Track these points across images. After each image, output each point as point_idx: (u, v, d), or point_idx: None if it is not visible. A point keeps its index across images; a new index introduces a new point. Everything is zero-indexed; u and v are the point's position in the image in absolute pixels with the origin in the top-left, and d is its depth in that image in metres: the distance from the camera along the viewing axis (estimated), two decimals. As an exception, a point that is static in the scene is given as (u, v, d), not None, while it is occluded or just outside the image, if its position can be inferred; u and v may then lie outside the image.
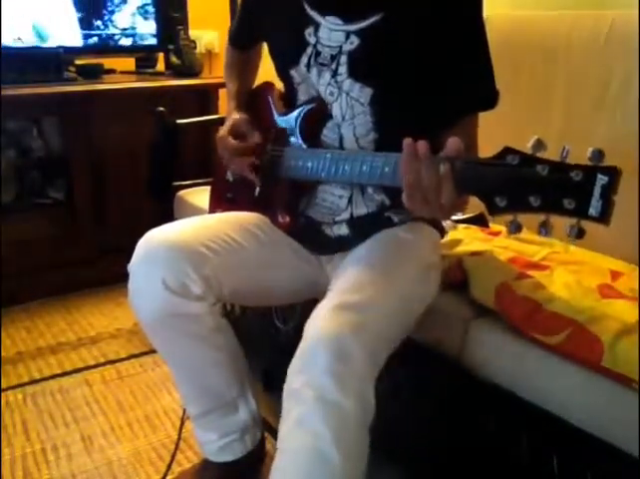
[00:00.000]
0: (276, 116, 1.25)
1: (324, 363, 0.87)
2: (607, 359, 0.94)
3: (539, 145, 0.74)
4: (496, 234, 1.40)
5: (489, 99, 1.09)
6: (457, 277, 1.19)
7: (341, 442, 0.85)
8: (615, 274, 1.21)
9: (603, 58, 1.40)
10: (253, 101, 1.34)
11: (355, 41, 1.08)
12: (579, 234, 0.73)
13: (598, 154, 0.71)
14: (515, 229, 0.79)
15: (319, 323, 0.93)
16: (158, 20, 2.37)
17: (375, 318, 0.95)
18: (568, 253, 1.30)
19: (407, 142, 0.86)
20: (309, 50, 1.12)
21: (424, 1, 1.04)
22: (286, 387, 0.93)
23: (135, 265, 1.10)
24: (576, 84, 1.45)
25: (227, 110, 1.34)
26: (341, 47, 1.09)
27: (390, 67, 1.07)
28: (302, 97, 1.18)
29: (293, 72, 1.16)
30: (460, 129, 1.06)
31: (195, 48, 2.51)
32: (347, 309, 0.94)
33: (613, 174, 0.70)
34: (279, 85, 1.27)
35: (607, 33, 1.39)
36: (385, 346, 0.97)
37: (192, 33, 2.51)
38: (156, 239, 1.11)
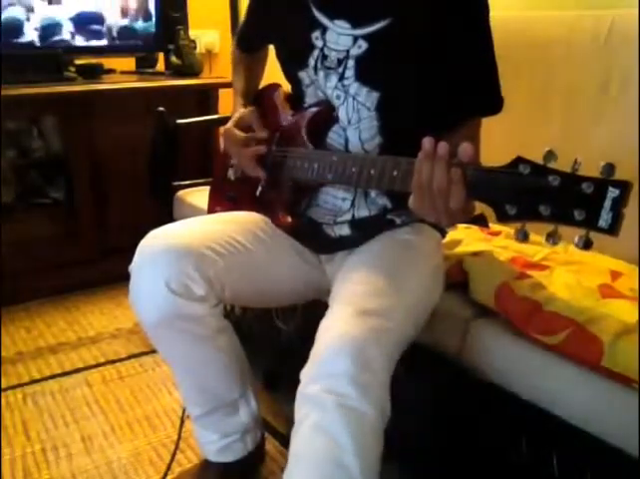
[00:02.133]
0: (283, 117, 1.25)
1: (347, 370, 0.87)
2: (607, 359, 0.94)
3: (551, 155, 0.75)
4: (496, 234, 1.40)
5: (494, 105, 1.10)
6: (457, 277, 1.19)
7: (361, 450, 0.85)
8: (615, 274, 1.21)
9: (603, 58, 1.40)
10: (260, 101, 1.34)
11: (363, 45, 1.08)
12: (587, 244, 0.74)
13: (610, 167, 0.72)
14: (523, 237, 0.79)
15: (340, 329, 0.92)
16: (157, 20, 2.37)
17: (394, 324, 0.95)
18: (568, 254, 1.31)
19: (427, 140, 0.86)
20: (316, 53, 1.12)
21: (431, 7, 1.04)
22: (301, 392, 0.91)
23: (136, 267, 1.10)
24: (576, 84, 1.45)
25: (233, 108, 1.34)
26: (348, 51, 1.09)
27: (397, 72, 1.08)
28: (310, 99, 1.18)
29: (302, 74, 1.16)
30: (464, 133, 1.06)
31: (195, 48, 2.52)
32: (369, 315, 0.93)
33: (624, 187, 0.71)
34: (286, 86, 1.27)
35: (607, 33, 1.39)
36: (399, 351, 0.97)
37: (192, 33, 2.51)
38: (157, 239, 1.10)
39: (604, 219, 0.72)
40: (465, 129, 1.08)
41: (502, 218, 0.80)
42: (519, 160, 0.78)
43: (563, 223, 0.75)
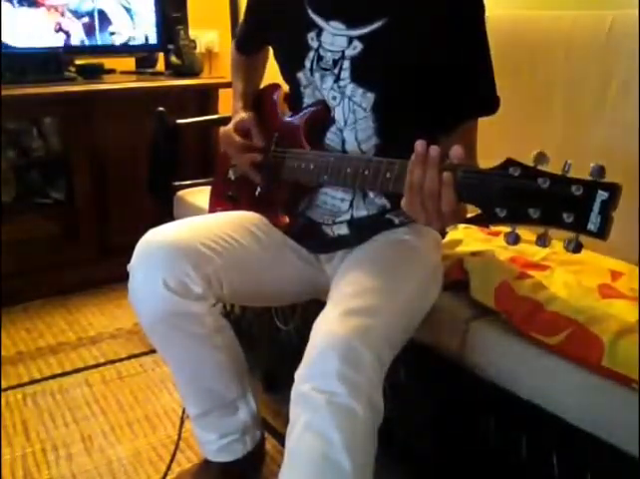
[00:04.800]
0: (281, 117, 1.25)
1: (335, 368, 0.87)
2: (607, 359, 0.94)
3: (541, 157, 0.75)
4: (496, 234, 1.40)
5: (490, 105, 1.10)
6: (457, 278, 1.19)
7: (352, 448, 0.85)
8: (615, 274, 1.21)
9: (603, 58, 1.40)
10: (259, 102, 1.34)
11: (358, 46, 1.08)
12: (577, 248, 0.74)
13: (599, 169, 0.71)
14: (514, 240, 0.79)
15: (327, 328, 0.93)
16: (158, 20, 2.37)
17: (383, 323, 0.95)
18: (568, 254, 1.30)
19: (419, 143, 0.86)
20: (311, 54, 1.12)
21: (426, 8, 1.04)
22: (294, 392, 0.92)
23: (135, 265, 1.10)
24: (576, 84, 1.45)
25: (233, 109, 1.35)
26: (344, 52, 1.09)
27: (392, 73, 1.08)
28: (308, 100, 1.18)
29: (300, 75, 1.16)
30: (460, 134, 1.07)
31: (195, 48, 2.52)
32: (355, 314, 0.94)
33: (614, 190, 0.70)
34: (286, 87, 1.27)
35: (607, 33, 1.39)
36: (391, 350, 0.97)
37: (192, 33, 2.51)
38: (156, 238, 1.11)
39: (593, 222, 0.71)
40: (461, 130, 1.08)
41: (492, 220, 0.79)
42: (510, 162, 0.78)
43: (552, 226, 0.75)
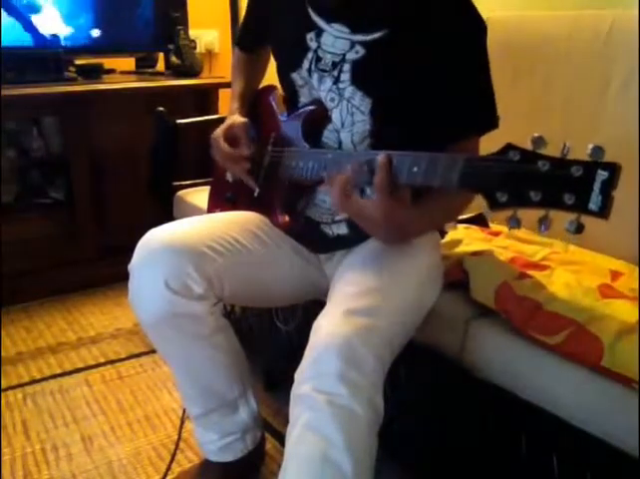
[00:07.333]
0: (279, 117, 1.25)
1: (335, 369, 0.87)
2: (607, 359, 0.94)
3: (540, 141, 0.75)
4: (496, 234, 1.40)
5: (489, 124, 1.09)
6: (457, 277, 1.19)
7: (352, 448, 0.85)
8: (615, 274, 1.21)
9: (603, 58, 1.40)
10: (256, 102, 1.34)
11: (360, 51, 1.07)
12: (578, 228, 0.74)
13: (598, 150, 0.72)
14: (515, 223, 0.80)
15: (328, 329, 0.93)
16: (158, 20, 2.37)
17: (383, 323, 0.95)
18: (568, 253, 1.30)
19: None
20: (310, 55, 1.12)
21: (429, 22, 1.04)
22: (294, 392, 0.92)
23: (135, 265, 1.10)
24: (576, 84, 1.45)
25: (230, 110, 1.34)
26: (345, 55, 1.09)
27: (392, 82, 1.07)
28: (304, 99, 1.18)
29: (295, 75, 1.16)
30: (461, 149, 1.05)
31: (195, 48, 2.52)
32: (356, 315, 0.94)
33: (613, 169, 0.71)
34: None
35: (607, 33, 1.39)
36: (392, 350, 0.97)
37: (192, 33, 2.51)
38: (156, 238, 1.11)
39: (594, 201, 0.71)
40: (461, 145, 1.07)
41: (494, 205, 0.80)
42: (509, 147, 0.78)
43: (554, 207, 0.75)
